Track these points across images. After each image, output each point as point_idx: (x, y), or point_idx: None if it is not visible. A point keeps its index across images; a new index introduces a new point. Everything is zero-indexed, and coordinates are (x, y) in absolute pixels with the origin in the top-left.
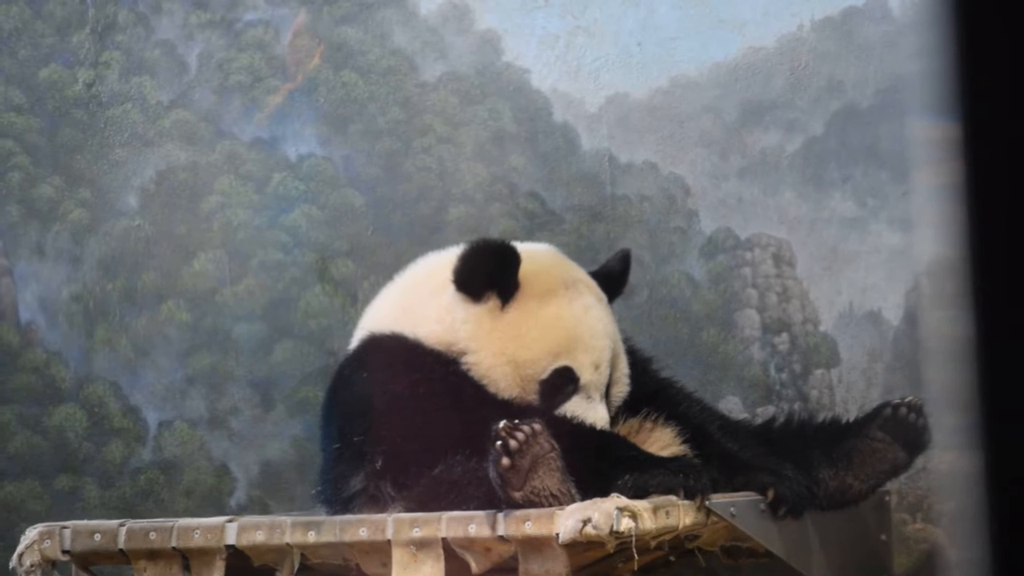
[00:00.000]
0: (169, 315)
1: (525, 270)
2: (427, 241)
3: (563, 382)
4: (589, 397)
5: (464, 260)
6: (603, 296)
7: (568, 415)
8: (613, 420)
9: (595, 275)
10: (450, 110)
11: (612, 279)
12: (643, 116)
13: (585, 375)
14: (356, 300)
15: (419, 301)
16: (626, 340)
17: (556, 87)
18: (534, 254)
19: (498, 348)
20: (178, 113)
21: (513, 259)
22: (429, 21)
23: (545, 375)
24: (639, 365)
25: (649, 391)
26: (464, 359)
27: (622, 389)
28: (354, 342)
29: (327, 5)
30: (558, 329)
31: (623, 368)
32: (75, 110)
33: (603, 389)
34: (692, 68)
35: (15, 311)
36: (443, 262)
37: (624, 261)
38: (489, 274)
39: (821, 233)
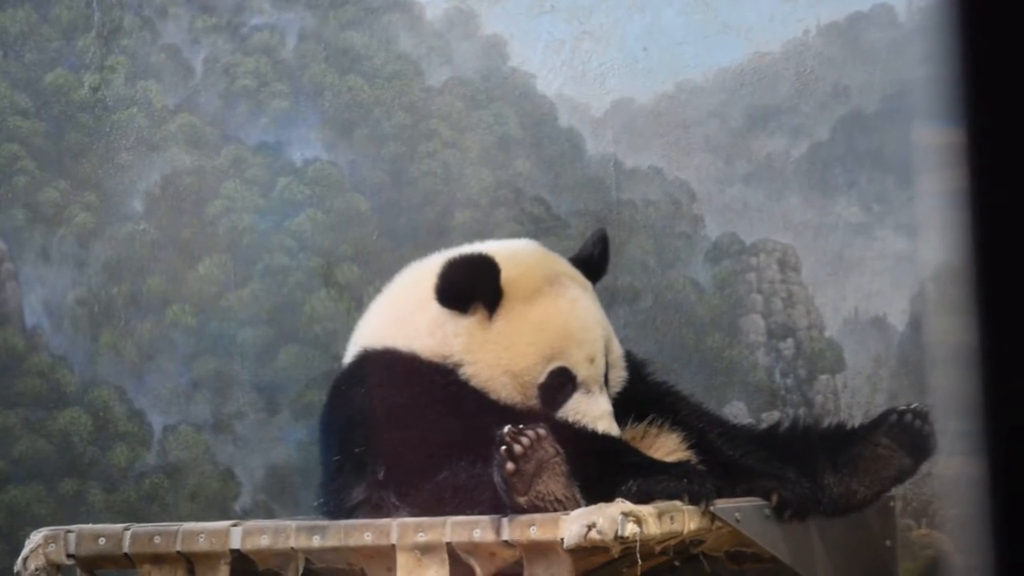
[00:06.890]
0: (174, 319)
1: (507, 274)
2: (432, 246)
3: (562, 382)
4: (589, 391)
5: (443, 278)
6: (587, 283)
7: (571, 416)
8: (619, 425)
9: (575, 261)
10: (456, 115)
11: (592, 263)
12: (649, 121)
13: (582, 371)
14: (361, 305)
15: (409, 314)
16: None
17: (562, 92)
18: (513, 255)
19: (493, 359)
20: (183, 117)
21: (491, 270)
22: (435, 26)
23: (543, 379)
24: (634, 370)
25: (649, 396)
26: (461, 370)
27: (619, 373)
28: (348, 357)
29: (332, 10)
30: (548, 331)
31: (616, 351)
32: (80, 114)
33: (601, 380)
34: (698, 73)
35: (20, 315)
36: (427, 272)
37: (602, 243)
38: (470, 288)
39: (826, 239)
